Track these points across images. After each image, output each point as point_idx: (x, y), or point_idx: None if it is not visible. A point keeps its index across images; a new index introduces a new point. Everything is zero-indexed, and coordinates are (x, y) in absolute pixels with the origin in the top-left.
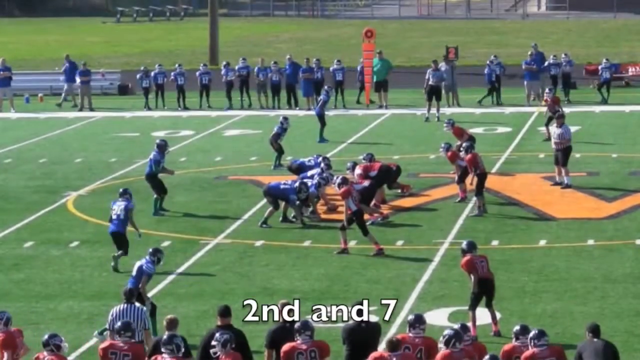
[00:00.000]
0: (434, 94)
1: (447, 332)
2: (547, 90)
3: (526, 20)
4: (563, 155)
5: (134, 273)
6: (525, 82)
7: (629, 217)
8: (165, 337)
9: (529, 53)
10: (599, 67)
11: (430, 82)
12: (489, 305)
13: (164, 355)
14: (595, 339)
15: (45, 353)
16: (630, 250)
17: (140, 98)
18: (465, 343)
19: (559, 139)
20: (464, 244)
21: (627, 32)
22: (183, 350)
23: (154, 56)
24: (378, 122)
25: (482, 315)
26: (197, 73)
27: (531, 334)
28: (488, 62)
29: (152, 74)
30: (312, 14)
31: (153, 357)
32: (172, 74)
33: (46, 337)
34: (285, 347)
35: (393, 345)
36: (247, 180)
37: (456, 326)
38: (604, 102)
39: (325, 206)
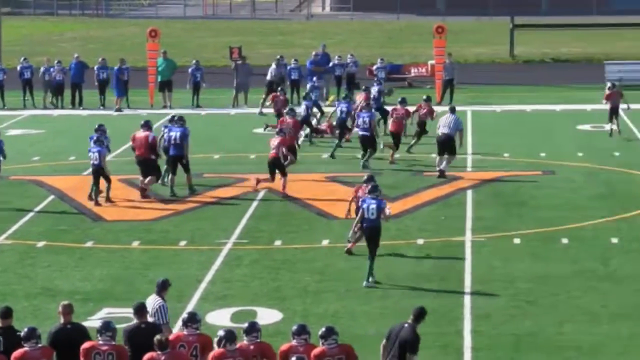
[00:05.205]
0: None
1: (219, 332)
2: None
3: (311, 21)
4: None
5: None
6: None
7: (411, 216)
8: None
9: (314, 53)
10: (374, 68)
11: (268, 78)
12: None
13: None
14: (406, 323)
15: (27, 347)
16: (412, 250)
17: None
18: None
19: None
20: None
21: (410, 33)
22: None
23: None
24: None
25: (267, 315)
26: None
27: (320, 332)
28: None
29: None
30: (97, 13)
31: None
32: None
33: (27, 331)
34: (86, 344)
35: (162, 345)
36: (29, 180)
37: (235, 326)
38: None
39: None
